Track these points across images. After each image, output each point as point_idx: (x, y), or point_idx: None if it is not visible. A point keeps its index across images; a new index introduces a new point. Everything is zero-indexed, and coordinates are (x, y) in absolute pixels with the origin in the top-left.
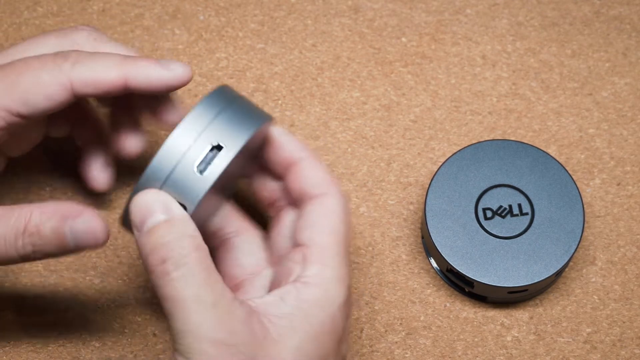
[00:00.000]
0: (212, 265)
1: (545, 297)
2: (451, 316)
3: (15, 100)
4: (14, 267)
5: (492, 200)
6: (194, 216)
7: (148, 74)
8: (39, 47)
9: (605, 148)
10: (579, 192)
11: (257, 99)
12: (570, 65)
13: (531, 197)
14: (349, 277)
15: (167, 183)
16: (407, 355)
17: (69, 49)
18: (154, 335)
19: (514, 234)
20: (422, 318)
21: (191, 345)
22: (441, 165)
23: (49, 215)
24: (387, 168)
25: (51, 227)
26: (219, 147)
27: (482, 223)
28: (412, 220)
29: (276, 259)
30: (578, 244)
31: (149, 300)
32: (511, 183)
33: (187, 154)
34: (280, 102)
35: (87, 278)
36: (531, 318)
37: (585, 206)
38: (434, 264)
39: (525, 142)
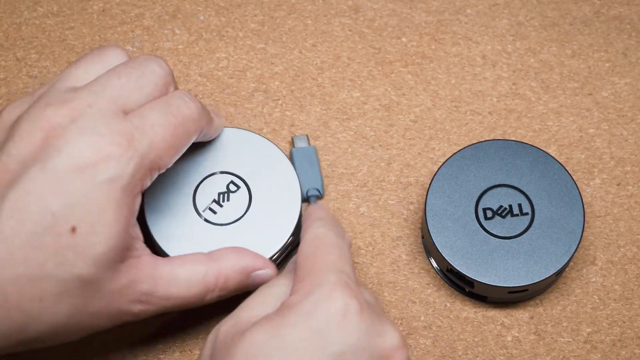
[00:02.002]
0: None
1: (546, 297)
2: (451, 316)
3: (173, 154)
4: None
5: (492, 200)
6: None
7: (219, 126)
8: (78, 76)
9: (605, 148)
10: (579, 192)
11: (257, 99)
12: (570, 65)
13: (531, 197)
14: None
15: None
16: None
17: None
18: (155, 335)
19: (514, 234)
20: (422, 318)
21: None
22: (441, 165)
23: (236, 273)
24: (387, 168)
25: (238, 282)
26: None
27: (483, 223)
28: (412, 220)
29: None
30: (578, 244)
31: None
32: (511, 183)
33: None
34: (280, 102)
35: None
36: (531, 318)
37: (585, 206)
38: (434, 264)
39: (526, 142)
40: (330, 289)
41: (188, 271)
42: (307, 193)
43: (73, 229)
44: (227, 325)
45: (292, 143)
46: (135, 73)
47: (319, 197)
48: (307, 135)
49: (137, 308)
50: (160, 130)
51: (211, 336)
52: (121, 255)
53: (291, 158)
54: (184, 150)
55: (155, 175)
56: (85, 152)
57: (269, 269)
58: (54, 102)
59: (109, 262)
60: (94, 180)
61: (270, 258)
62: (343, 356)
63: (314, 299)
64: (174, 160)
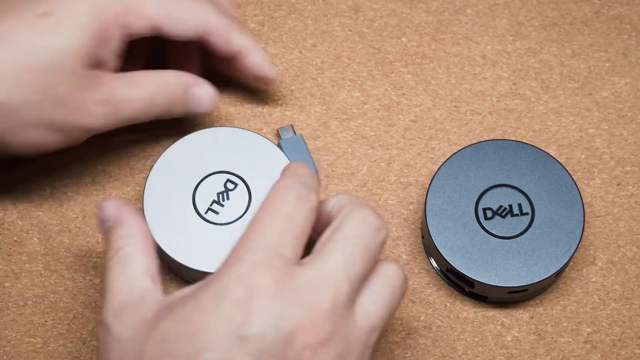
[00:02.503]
0: None
1: (546, 297)
2: (451, 316)
3: (162, 15)
4: (14, 267)
5: (492, 200)
6: None
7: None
8: None
9: (605, 148)
10: (579, 192)
11: (258, 99)
12: (570, 65)
13: (531, 197)
14: None
15: None
16: (407, 355)
17: None
18: None
19: (514, 234)
20: (422, 318)
21: None
22: (441, 165)
23: (177, 83)
24: (387, 168)
25: (180, 91)
26: None
27: (482, 223)
28: (412, 220)
29: None
30: (578, 244)
31: None
32: (511, 183)
33: None
34: (280, 102)
35: (87, 278)
36: (531, 318)
37: (585, 206)
38: (434, 264)
39: (526, 142)
40: (248, 268)
41: (143, 78)
42: None
43: (48, 13)
44: (119, 317)
45: (278, 135)
46: None
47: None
48: (291, 125)
49: (100, 110)
50: None
51: (103, 334)
52: (89, 59)
53: (280, 150)
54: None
55: (138, 28)
56: None
57: (206, 90)
58: None
59: (74, 53)
60: None
61: None
62: (249, 340)
63: (228, 278)
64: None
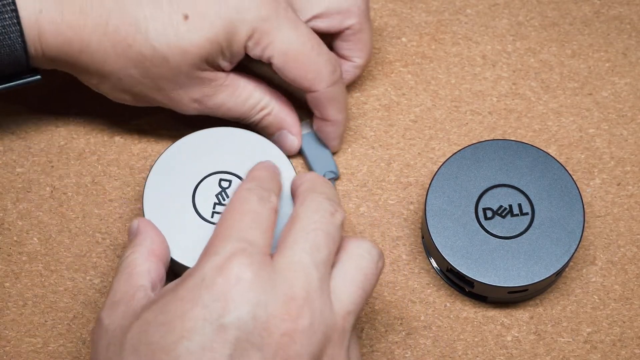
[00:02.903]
0: None
1: (546, 297)
2: (451, 316)
3: None
4: (14, 267)
5: (492, 200)
6: None
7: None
8: None
9: (605, 148)
10: (579, 192)
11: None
12: (570, 65)
13: (531, 197)
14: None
15: None
16: (407, 355)
17: None
18: None
19: (514, 234)
20: (422, 318)
21: None
22: (441, 165)
23: (274, 118)
24: (387, 168)
25: (270, 124)
26: None
27: (482, 223)
28: (412, 220)
29: None
30: (578, 244)
31: None
32: (511, 183)
33: None
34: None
35: (87, 278)
36: (531, 318)
37: (585, 206)
38: (434, 264)
39: (525, 142)
40: (223, 259)
41: (247, 93)
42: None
43: (186, 17)
44: (110, 310)
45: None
46: None
47: (335, 178)
48: (309, 120)
49: (193, 106)
50: None
51: (97, 327)
52: (203, 65)
53: (280, 150)
54: None
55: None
56: None
57: (296, 140)
58: None
59: (192, 58)
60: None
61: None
62: (227, 328)
63: (205, 269)
64: None
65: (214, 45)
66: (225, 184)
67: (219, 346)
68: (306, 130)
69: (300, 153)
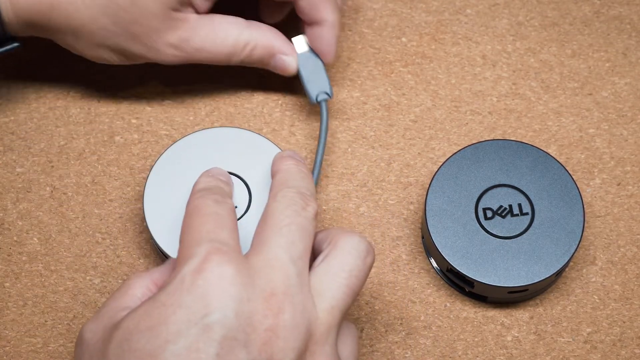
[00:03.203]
0: None
1: (546, 297)
2: (451, 316)
3: None
4: (14, 267)
5: (492, 200)
6: None
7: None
8: None
9: (605, 148)
10: (579, 192)
11: (258, 99)
12: (570, 65)
13: (531, 197)
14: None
15: None
16: (407, 355)
17: None
18: None
19: (514, 234)
20: (422, 318)
21: None
22: (441, 165)
23: (264, 48)
24: (387, 168)
25: (261, 56)
26: None
27: (482, 223)
28: (412, 220)
29: None
30: (578, 244)
31: None
32: (511, 183)
33: None
34: (280, 102)
35: (87, 278)
36: (531, 318)
37: (585, 206)
38: (434, 264)
39: (526, 142)
40: (200, 260)
41: (224, 31)
42: (316, 98)
43: None
44: (91, 325)
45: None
46: None
47: (329, 98)
48: (300, 36)
49: (171, 52)
50: None
51: (77, 341)
52: (172, 3)
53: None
54: None
55: None
56: None
57: (292, 58)
58: None
59: None
60: None
61: None
62: (212, 326)
63: (184, 273)
64: None
65: None
66: None
67: (205, 346)
68: (302, 49)
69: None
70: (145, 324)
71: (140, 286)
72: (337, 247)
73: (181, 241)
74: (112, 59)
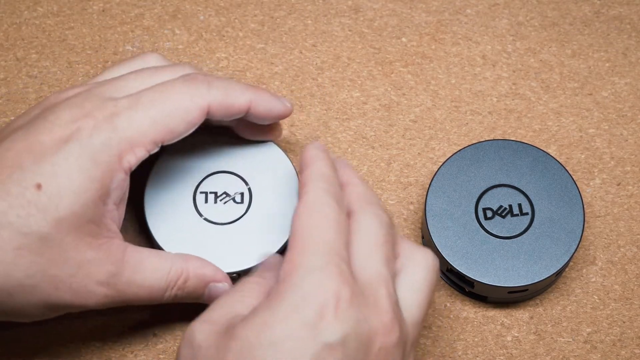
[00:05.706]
0: None
1: (546, 297)
2: (451, 316)
3: (161, 131)
4: None
5: (492, 200)
6: None
7: (268, 104)
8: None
9: (605, 148)
10: (579, 192)
11: None
12: (570, 65)
13: (531, 197)
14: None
15: None
16: None
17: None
18: (154, 335)
19: (514, 234)
20: None
21: None
22: (441, 165)
23: (196, 278)
24: (387, 168)
25: (195, 287)
26: None
27: (482, 223)
28: (412, 220)
29: None
30: (578, 244)
31: None
32: (511, 183)
33: None
34: None
35: None
36: (531, 318)
37: (585, 206)
38: None
39: (525, 142)
40: (320, 277)
41: (154, 263)
42: None
43: (38, 186)
44: (204, 326)
45: None
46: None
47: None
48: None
49: (101, 291)
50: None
51: (185, 341)
52: (88, 228)
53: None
54: (177, 134)
55: (141, 156)
56: (65, 118)
57: (227, 284)
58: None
59: (70, 227)
60: (66, 147)
61: None
62: (334, 347)
63: (304, 288)
64: (164, 143)
65: (84, 201)
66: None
67: None
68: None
69: None
70: (267, 337)
71: (260, 294)
72: (415, 261)
73: (298, 238)
74: (44, 315)
